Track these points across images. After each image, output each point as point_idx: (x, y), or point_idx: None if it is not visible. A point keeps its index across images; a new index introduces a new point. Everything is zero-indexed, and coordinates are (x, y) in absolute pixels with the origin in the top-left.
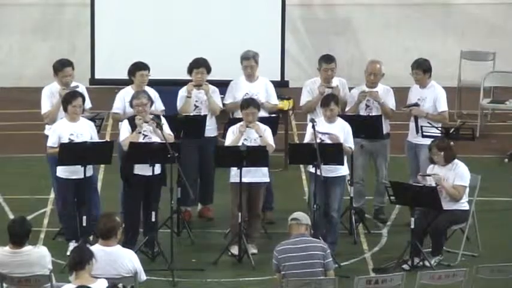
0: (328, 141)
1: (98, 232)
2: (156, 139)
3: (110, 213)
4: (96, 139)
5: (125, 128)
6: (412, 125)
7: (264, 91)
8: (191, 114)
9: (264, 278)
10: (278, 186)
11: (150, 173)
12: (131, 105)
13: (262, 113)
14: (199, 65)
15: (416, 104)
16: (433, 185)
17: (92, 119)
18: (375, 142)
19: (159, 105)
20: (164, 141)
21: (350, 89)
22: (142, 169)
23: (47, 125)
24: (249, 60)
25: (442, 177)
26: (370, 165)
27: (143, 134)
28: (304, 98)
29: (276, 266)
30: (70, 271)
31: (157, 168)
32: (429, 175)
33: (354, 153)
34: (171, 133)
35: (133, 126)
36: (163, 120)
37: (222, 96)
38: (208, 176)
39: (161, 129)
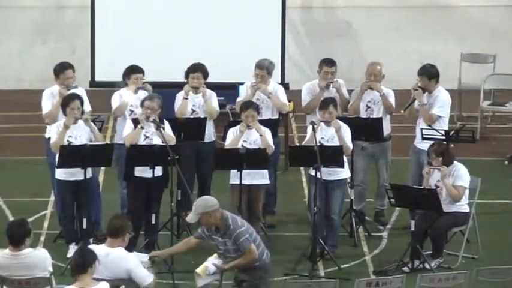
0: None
1: (107, 230)
2: (157, 141)
3: (121, 215)
4: (100, 141)
5: (128, 126)
6: (418, 129)
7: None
8: (191, 117)
9: None
10: (278, 188)
11: (151, 175)
12: (142, 104)
13: (265, 115)
14: (196, 69)
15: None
16: (435, 182)
17: (92, 122)
18: (375, 144)
19: None
20: (165, 143)
21: (349, 91)
22: (142, 171)
23: (48, 128)
24: (262, 70)
25: (446, 173)
26: (371, 168)
27: (145, 136)
28: (305, 99)
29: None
30: (72, 274)
31: (158, 171)
32: (437, 168)
33: (355, 156)
34: (173, 135)
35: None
36: (166, 124)
37: (222, 98)
38: (205, 181)
39: (161, 130)
